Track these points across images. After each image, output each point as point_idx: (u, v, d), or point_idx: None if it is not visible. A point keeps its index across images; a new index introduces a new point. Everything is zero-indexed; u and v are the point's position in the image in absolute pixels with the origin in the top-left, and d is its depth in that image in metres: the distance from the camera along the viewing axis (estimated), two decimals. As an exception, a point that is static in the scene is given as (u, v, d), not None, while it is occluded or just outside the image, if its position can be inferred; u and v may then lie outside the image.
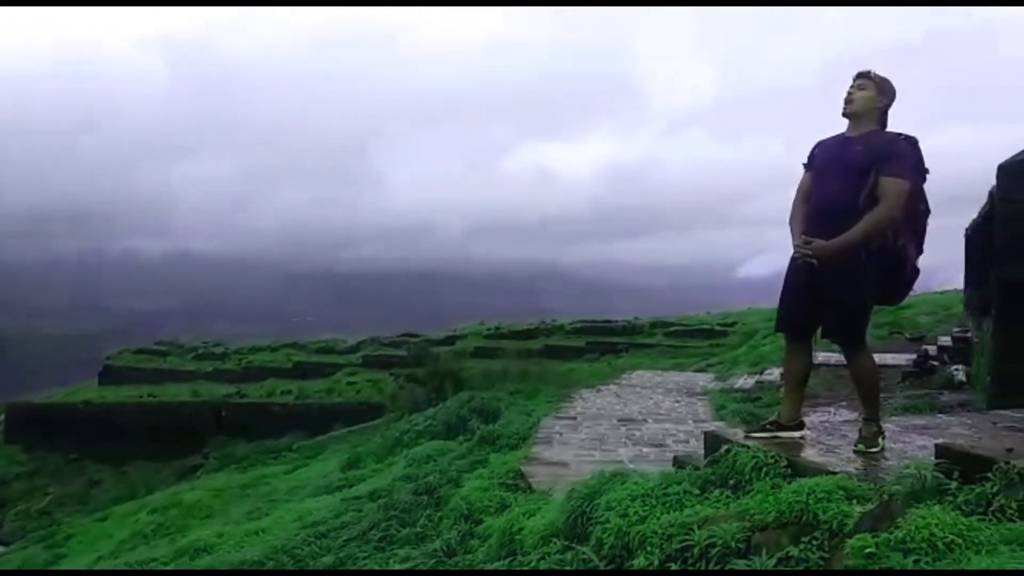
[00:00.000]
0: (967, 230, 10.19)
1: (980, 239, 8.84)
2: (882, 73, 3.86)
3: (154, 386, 31.57)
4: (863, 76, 3.85)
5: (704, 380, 14.35)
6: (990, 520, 2.38)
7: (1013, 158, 6.48)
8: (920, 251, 3.88)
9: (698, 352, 23.54)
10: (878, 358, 14.40)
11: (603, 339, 30.22)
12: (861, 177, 3.67)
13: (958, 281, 12.46)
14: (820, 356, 10.12)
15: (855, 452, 3.79)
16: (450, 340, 31.91)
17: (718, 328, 27.57)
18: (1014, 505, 2.39)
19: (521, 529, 4.59)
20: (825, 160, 3.90)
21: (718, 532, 3.04)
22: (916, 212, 3.77)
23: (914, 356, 12.44)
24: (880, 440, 3.88)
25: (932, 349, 12.38)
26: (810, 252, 3.75)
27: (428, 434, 10.22)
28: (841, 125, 3.97)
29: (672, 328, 30.25)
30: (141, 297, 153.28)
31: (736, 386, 12.64)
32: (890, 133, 3.82)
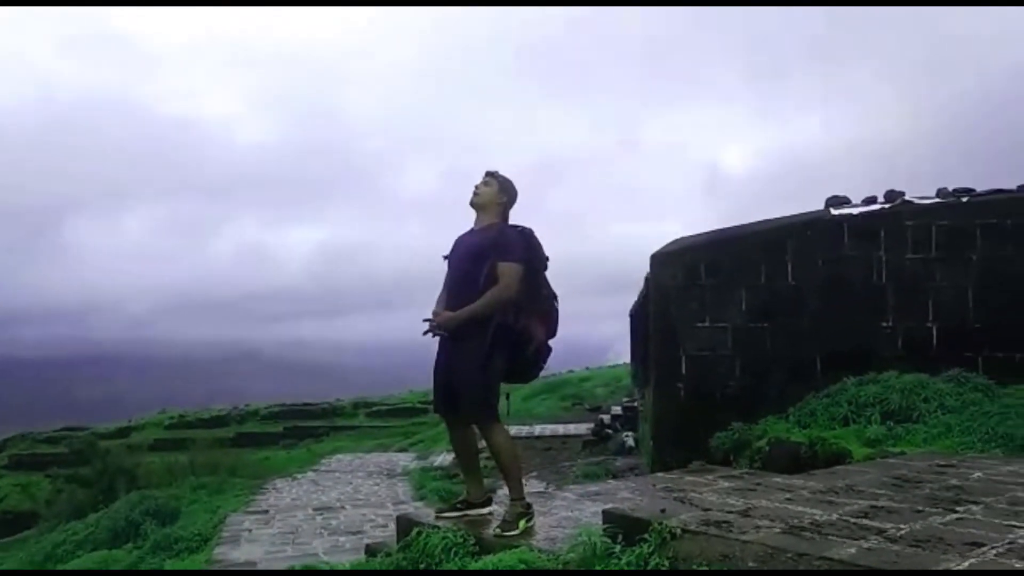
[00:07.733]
0: (631, 310, 11.54)
1: (640, 318, 10.08)
2: (508, 175, 4.26)
3: None
4: (490, 175, 4.26)
5: (406, 459, 14.37)
6: (648, 578, 2.58)
7: (662, 249, 7.53)
8: (552, 333, 4.18)
9: (401, 431, 23.56)
10: (563, 428, 15.51)
11: (302, 423, 28.98)
12: (478, 263, 4.01)
13: (628, 355, 14.04)
14: (512, 430, 10.61)
15: (494, 536, 3.67)
16: (124, 432, 28.34)
17: (419, 406, 27.88)
18: (666, 562, 2.63)
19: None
20: (454, 251, 4.24)
21: (406, 623, 2.94)
22: (538, 295, 4.11)
23: (592, 425, 13.70)
24: (522, 522, 3.80)
25: (607, 418, 13.72)
26: (436, 323, 4.00)
27: (90, 544, 8.95)
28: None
29: (375, 408, 30.01)
30: None
31: (436, 463, 12.80)
32: (506, 225, 4.19)
